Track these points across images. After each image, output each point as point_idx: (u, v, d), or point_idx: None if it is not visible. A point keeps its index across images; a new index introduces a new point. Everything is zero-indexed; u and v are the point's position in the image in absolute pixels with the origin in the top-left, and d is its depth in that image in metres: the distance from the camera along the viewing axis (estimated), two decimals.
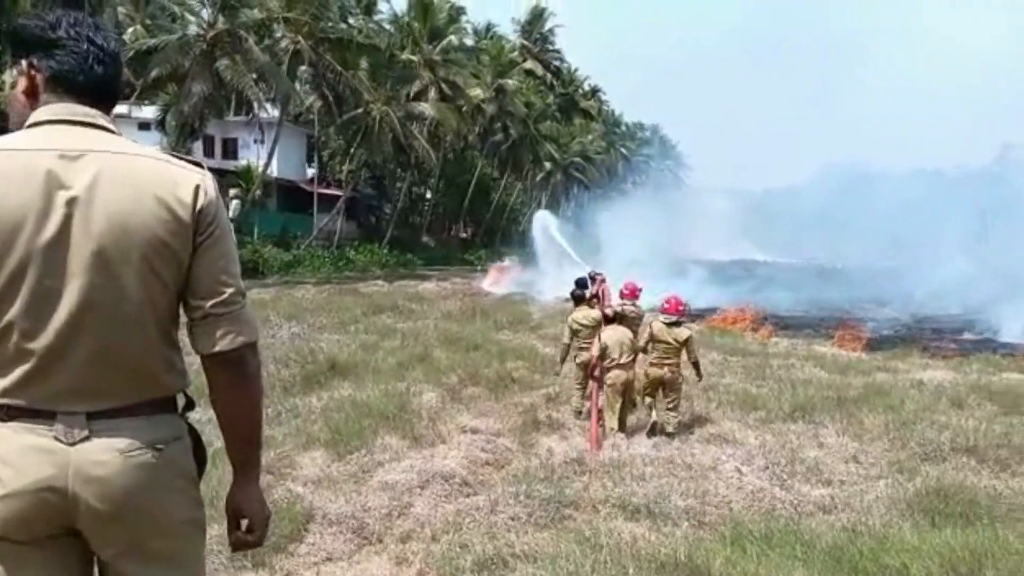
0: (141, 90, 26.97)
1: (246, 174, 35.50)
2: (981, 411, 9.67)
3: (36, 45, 1.81)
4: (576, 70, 66.68)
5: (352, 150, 36.76)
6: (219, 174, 39.31)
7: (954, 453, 7.65)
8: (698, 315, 20.00)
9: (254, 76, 26.84)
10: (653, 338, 8.39)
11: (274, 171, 41.35)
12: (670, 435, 8.25)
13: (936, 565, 4.79)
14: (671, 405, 8.54)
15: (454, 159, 50.35)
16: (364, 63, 34.81)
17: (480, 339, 13.98)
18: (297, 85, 35.48)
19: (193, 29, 26.44)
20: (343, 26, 33.31)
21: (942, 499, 6.16)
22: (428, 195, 53.41)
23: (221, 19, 26.83)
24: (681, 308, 8.59)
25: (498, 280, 28.72)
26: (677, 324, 8.48)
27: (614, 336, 8.34)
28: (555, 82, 59.45)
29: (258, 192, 33.85)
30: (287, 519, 5.52)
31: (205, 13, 27.12)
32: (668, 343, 8.38)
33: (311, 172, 47.15)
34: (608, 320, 8.73)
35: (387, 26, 43.55)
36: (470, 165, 51.15)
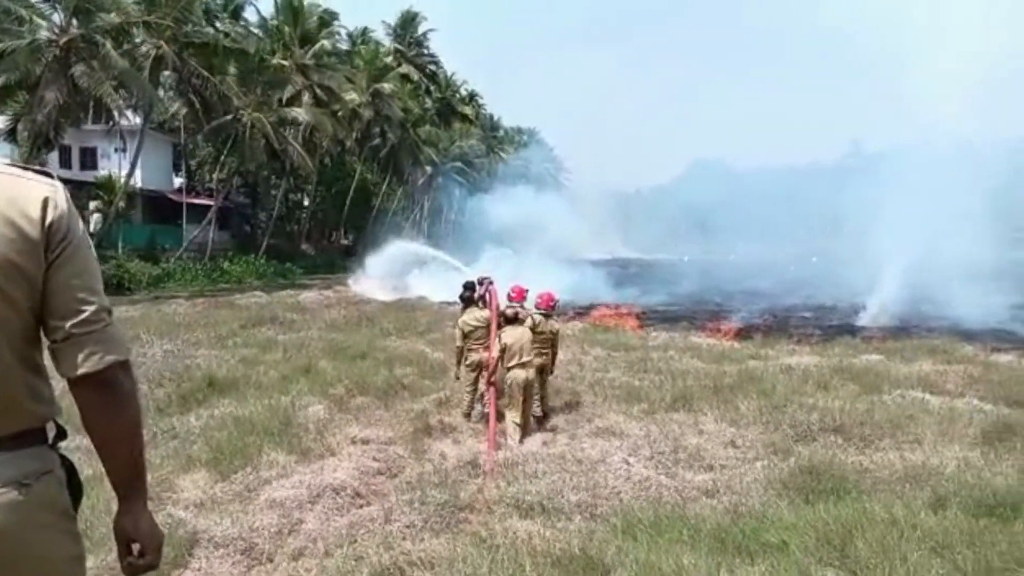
0: None
1: (107, 185, 33.50)
2: (844, 391, 10.36)
3: None
4: (453, 75, 66.82)
5: (223, 157, 35.32)
6: (78, 186, 37.07)
7: (823, 432, 8.15)
8: (581, 312, 20.48)
9: (113, 83, 25.28)
10: (534, 330, 8.58)
11: (138, 181, 39.27)
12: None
13: (812, 539, 5.09)
14: (540, 395, 8.82)
15: (332, 165, 49.34)
16: (232, 68, 33.53)
17: (367, 347, 13.78)
18: (161, 92, 33.84)
19: (44, 34, 24.66)
20: (209, 30, 31.98)
21: (814, 477, 6.56)
22: (306, 202, 52.13)
23: (75, 23, 25.16)
24: (552, 303, 8.90)
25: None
26: (548, 317, 8.77)
27: (515, 335, 8.41)
28: (431, 87, 59.32)
29: (121, 204, 31.97)
30: (169, 545, 5.26)
31: (56, 17, 25.35)
32: (545, 334, 8.63)
33: (179, 181, 45.08)
34: (508, 320, 8.79)
35: (255, 31, 42.25)
36: (349, 170, 50.26)
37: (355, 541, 5.59)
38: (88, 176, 37.37)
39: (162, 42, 28.42)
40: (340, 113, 42.70)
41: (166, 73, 32.48)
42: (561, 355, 13.13)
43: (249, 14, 40.39)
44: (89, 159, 38.76)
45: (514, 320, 8.56)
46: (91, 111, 30.81)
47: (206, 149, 39.66)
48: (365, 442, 8.01)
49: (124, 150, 35.23)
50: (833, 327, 17.87)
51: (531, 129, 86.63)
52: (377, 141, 49.38)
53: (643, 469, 6.97)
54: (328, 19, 42.37)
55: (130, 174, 31.76)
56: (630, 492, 6.56)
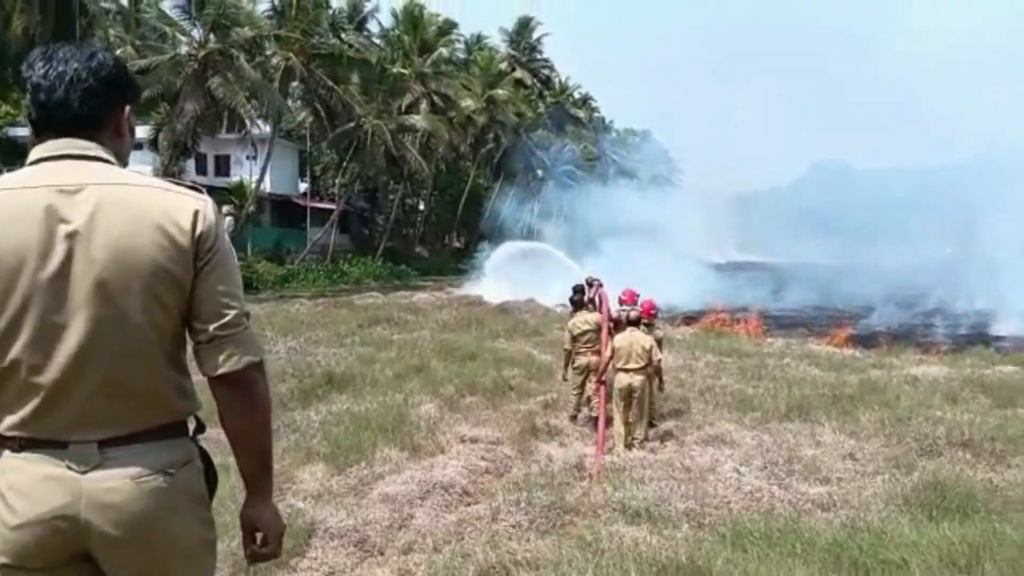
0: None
1: (239, 190, 35.51)
2: (975, 405, 9.75)
3: (25, 88, 1.86)
4: (567, 79, 67.00)
5: (345, 164, 36.77)
6: (211, 191, 39.77)
7: (950, 447, 7.71)
8: (691, 317, 20.11)
9: (246, 93, 26.83)
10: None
11: (267, 187, 41.44)
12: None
13: (935, 559, 4.84)
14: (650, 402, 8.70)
15: (446, 170, 50.45)
16: (355, 77, 34.88)
17: (476, 348, 14.02)
18: (289, 101, 35.55)
19: (184, 49, 26.46)
20: (334, 41, 33.39)
21: (939, 493, 6.21)
22: (421, 206, 53.51)
23: (212, 38, 26.88)
24: (653, 311, 8.77)
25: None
26: (649, 326, 8.62)
27: (627, 340, 8.36)
28: (545, 91, 59.68)
29: (251, 208, 33.81)
30: (289, 535, 5.54)
31: (196, 33, 27.15)
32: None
33: (304, 187, 47.24)
34: (619, 324, 8.77)
35: (377, 41, 43.77)
36: (463, 175, 51.24)
37: (462, 538, 5.72)
38: (221, 182, 39.76)
39: (291, 54, 29.89)
40: (456, 119, 43.64)
41: (294, 83, 34.18)
42: (671, 360, 13.08)
43: (372, 25, 42.02)
44: (223, 166, 41.20)
45: (630, 324, 8.49)
46: (225, 120, 32.77)
47: (329, 156, 41.34)
48: (474, 441, 8.17)
49: (255, 157, 37.23)
50: (964, 336, 16.83)
51: (644, 131, 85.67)
52: (491, 146, 50.08)
53: (755, 479, 6.78)
54: (446, 28, 43.44)
55: (260, 180, 33.54)
56: (740, 503, 6.40)
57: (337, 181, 38.98)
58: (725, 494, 6.55)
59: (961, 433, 7.91)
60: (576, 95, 69.00)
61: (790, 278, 35.53)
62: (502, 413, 9.52)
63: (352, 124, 34.43)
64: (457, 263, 49.76)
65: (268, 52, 30.75)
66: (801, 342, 15.78)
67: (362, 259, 41.88)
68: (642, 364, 8.07)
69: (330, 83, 31.46)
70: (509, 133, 49.22)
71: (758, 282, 34.40)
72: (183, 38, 26.71)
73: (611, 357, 8.27)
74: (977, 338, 16.20)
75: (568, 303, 9.94)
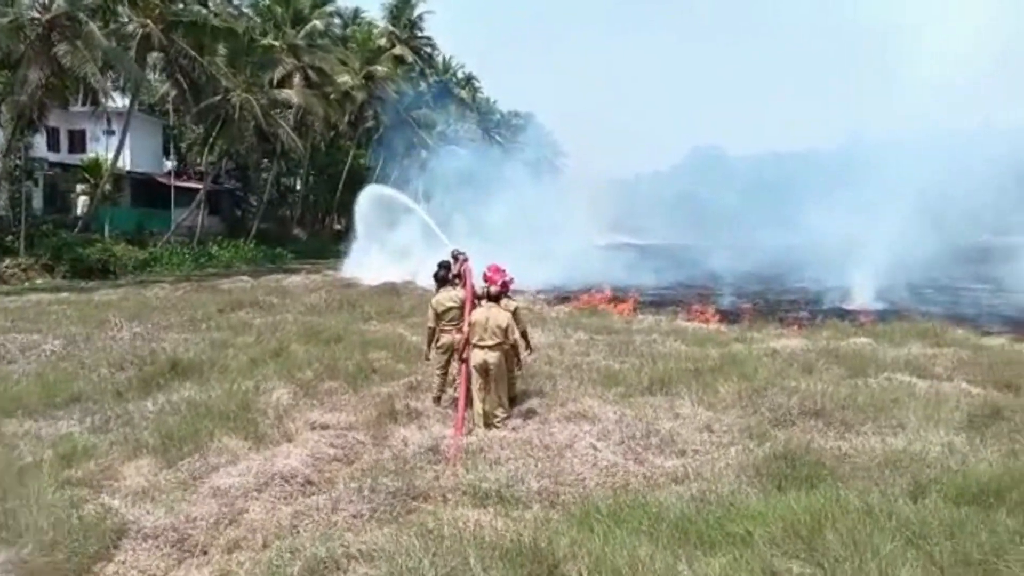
0: None
1: (94, 168, 33.04)
2: (829, 375, 10.02)
3: None
4: (450, 58, 66.11)
5: (211, 140, 34.79)
6: (64, 169, 36.57)
7: (802, 417, 7.83)
8: (567, 297, 20.14)
9: (98, 63, 24.75)
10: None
11: (126, 164, 38.80)
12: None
13: (779, 529, 4.77)
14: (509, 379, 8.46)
15: (325, 148, 48.82)
16: (222, 49, 32.96)
17: (342, 331, 13.42)
18: (150, 74, 33.30)
19: (26, 12, 24.11)
20: (197, 8, 31.42)
21: (789, 463, 6.23)
22: (299, 186, 51.63)
23: (59, 1, 24.63)
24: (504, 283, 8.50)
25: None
26: (499, 298, 8.38)
27: (483, 315, 8.01)
28: (428, 70, 58.63)
29: (107, 187, 31.50)
30: (94, 537, 4.95)
31: None
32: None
33: (169, 165, 44.58)
34: (479, 299, 8.40)
35: (248, 11, 41.64)
36: (342, 154, 49.69)
37: (296, 532, 5.28)
38: (76, 159, 36.92)
39: (148, 21, 27.85)
40: (333, 95, 42.16)
41: (154, 54, 31.95)
42: (542, 338, 12.93)
43: None
44: (78, 142, 38.21)
45: (489, 299, 8.17)
46: (81, 93, 30.30)
47: (196, 132, 39.09)
48: (325, 428, 7.70)
49: (113, 133, 34.69)
50: (823, 311, 17.53)
51: (528, 113, 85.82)
52: (371, 124, 48.78)
53: (611, 455, 6.64)
54: (321, 0, 41.80)
55: (116, 157, 31.28)
56: (595, 479, 6.24)
57: (204, 159, 36.81)
58: (581, 471, 6.38)
59: (813, 403, 8.06)
60: (460, 75, 68.30)
61: (666, 259, 36.48)
62: (361, 397, 9.04)
63: (218, 97, 32.57)
64: (337, 245, 48.36)
65: (124, 19, 28.52)
66: (671, 319, 15.98)
67: (234, 242, 39.96)
68: (498, 340, 7.78)
69: (193, 53, 29.54)
70: (390, 111, 48.04)
71: (635, 262, 35.10)
72: (25, 0, 24.33)
73: (469, 333, 7.94)
74: (834, 313, 16.87)
75: (433, 279, 9.50)
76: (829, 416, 7.80)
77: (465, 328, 8.04)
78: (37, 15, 24.78)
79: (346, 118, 45.30)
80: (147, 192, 40.23)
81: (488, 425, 7.92)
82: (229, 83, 32.71)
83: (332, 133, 46.71)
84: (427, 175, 59.47)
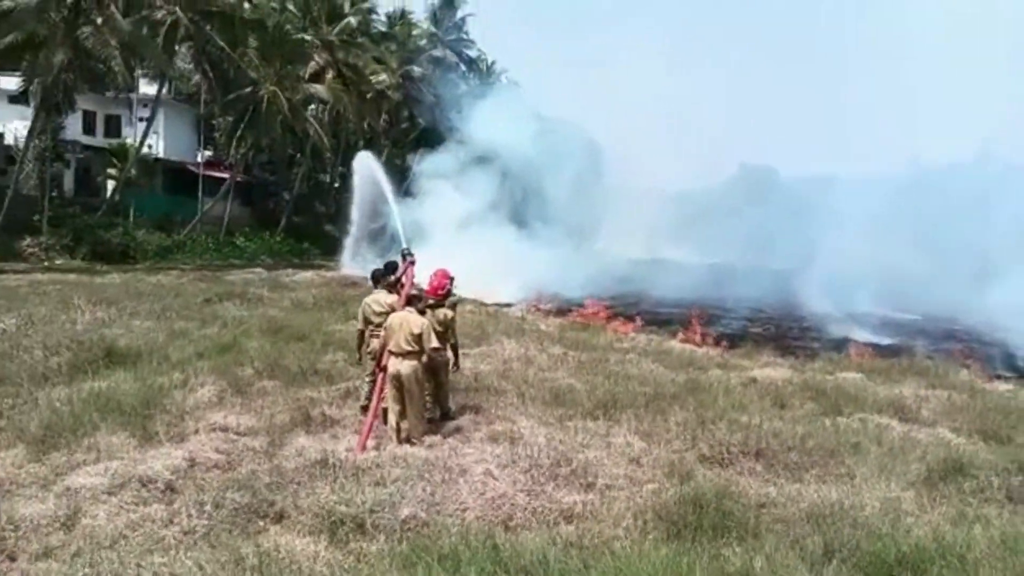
0: None
1: (121, 152, 33.38)
2: (801, 411, 9.24)
3: None
4: (493, 62, 65.80)
5: (240, 131, 34.89)
6: (96, 152, 37.04)
7: (743, 456, 7.08)
8: (569, 309, 19.48)
9: (117, 47, 24.87)
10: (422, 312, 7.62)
11: (159, 151, 39.23)
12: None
13: None
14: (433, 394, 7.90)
15: (362, 146, 48.80)
16: (253, 41, 33.05)
17: (310, 329, 12.97)
18: (180, 62, 33.53)
19: None
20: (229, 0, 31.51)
21: (696, 509, 5.53)
22: (336, 183, 51.75)
23: None
24: (441, 288, 7.91)
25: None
26: (435, 306, 7.79)
27: (398, 321, 7.47)
28: (469, 73, 58.41)
29: (132, 172, 31.75)
30: None
31: None
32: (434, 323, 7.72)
33: (206, 154, 44.98)
34: (408, 303, 7.85)
35: (290, 6, 41.75)
36: (377, 153, 49.62)
37: (118, 544, 4.78)
38: (112, 143, 37.40)
39: (177, 9, 27.99)
40: (368, 94, 42.09)
41: (187, 45, 32.16)
42: (512, 351, 12.31)
43: None
44: (113, 126, 38.73)
45: (407, 303, 7.63)
46: (118, 78, 30.60)
47: (226, 122, 39.32)
48: (224, 430, 7.22)
49: (148, 119, 35.06)
50: (833, 340, 16.52)
51: (573, 122, 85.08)
52: (406, 124, 48.66)
53: (505, 484, 5.99)
54: None
55: (142, 142, 31.55)
56: (477, 510, 5.62)
57: (232, 150, 36.97)
58: (466, 500, 5.76)
59: (759, 441, 7.30)
60: (503, 80, 68.00)
61: (697, 276, 35.42)
62: (287, 399, 8.53)
63: (247, 89, 32.62)
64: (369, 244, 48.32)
65: (158, 5, 28.69)
66: (665, 339, 15.18)
67: (260, 234, 40.12)
68: (410, 349, 7.20)
69: (221, 43, 29.60)
70: (426, 113, 47.85)
71: (662, 278, 34.18)
72: None
73: (384, 339, 7.40)
74: (842, 343, 15.89)
75: (369, 278, 8.98)
76: (772, 457, 7.03)
77: (381, 333, 7.51)
78: None
79: (381, 117, 45.18)
80: (179, 180, 40.60)
81: (401, 440, 7.35)
82: (258, 75, 32.73)
83: (369, 133, 46.64)
84: (464, 177, 59.27)
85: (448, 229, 28.85)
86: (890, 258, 28.20)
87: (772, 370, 11.87)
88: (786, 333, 18.39)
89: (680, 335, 15.61)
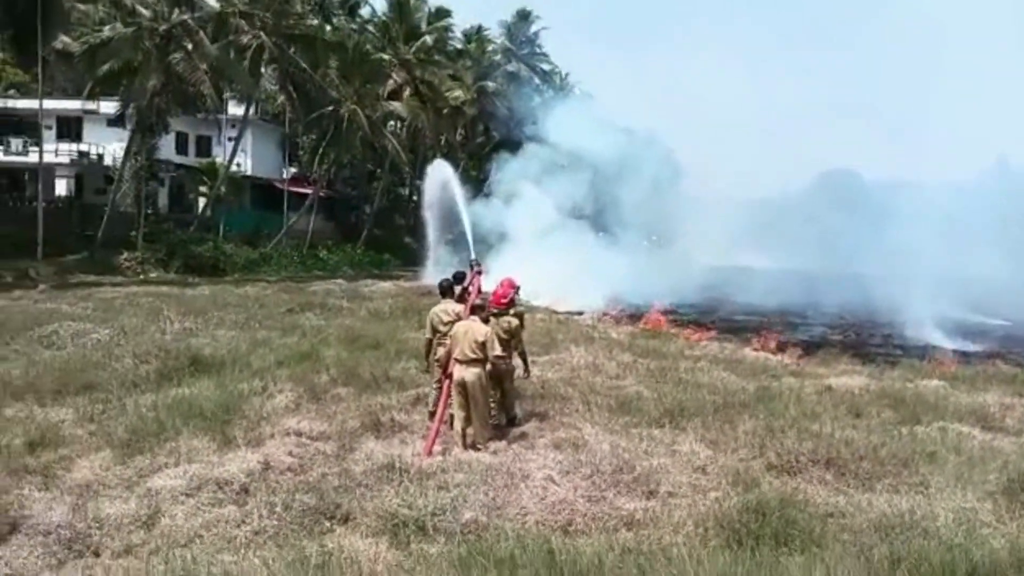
0: (93, 84, 26.44)
1: (211, 170, 34.94)
2: (877, 419, 8.95)
3: None
4: (567, 75, 65.93)
5: (322, 148, 36.05)
6: (187, 170, 38.84)
7: (812, 465, 6.93)
8: (638, 317, 19.32)
9: (206, 70, 26.12)
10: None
11: (247, 169, 40.88)
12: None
13: None
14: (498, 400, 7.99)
15: (439, 159, 49.66)
16: (333, 62, 34.16)
17: (385, 338, 13.29)
18: (267, 84, 34.90)
19: (146, 22, 25.79)
20: (312, 23, 32.69)
21: (758, 517, 5.46)
22: (414, 196, 52.74)
23: (176, 12, 26.22)
24: (505, 298, 8.00)
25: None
26: (500, 314, 7.89)
27: (463, 329, 7.64)
28: (543, 85, 58.76)
29: (222, 189, 33.18)
30: None
31: (159, 6, 26.49)
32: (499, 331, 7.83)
33: (292, 171, 46.60)
34: (473, 311, 8.03)
35: (370, 27, 42.92)
36: (454, 165, 50.41)
37: (191, 543, 5.05)
38: (202, 162, 39.21)
39: (262, 33, 29.18)
40: (444, 110, 42.85)
41: (272, 67, 33.47)
42: (580, 358, 12.32)
43: (366, 12, 41.32)
44: (204, 146, 40.62)
45: (472, 312, 7.78)
46: (208, 100, 32.10)
47: (309, 140, 40.71)
48: (298, 435, 7.49)
49: (236, 139, 36.61)
50: (917, 347, 15.88)
51: (648, 131, 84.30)
52: (482, 139, 49.27)
53: (566, 491, 6.04)
54: (437, 16, 42.63)
55: (230, 161, 32.93)
56: (538, 515, 5.69)
57: (315, 167, 38.23)
58: (527, 505, 5.84)
59: (830, 450, 7.13)
60: (577, 91, 68.09)
61: (778, 284, 34.61)
62: (360, 406, 8.79)
63: (329, 108, 33.70)
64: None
65: (244, 30, 29.99)
66: (738, 347, 14.91)
67: (342, 246, 41.27)
68: (474, 356, 7.34)
69: (304, 65, 30.71)
70: (501, 126, 48.37)
71: (741, 285, 33.54)
72: (145, 12, 25.98)
73: (450, 347, 7.56)
74: (926, 350, 15.27)
75: (437, 287, 9.20)
76: (843, 467, 6.86)
77: (447, 342, 7.68)
78: (155, 25, 26.40)
79: (457, 132, 45.92)
80: (266, 196, 42.25)
81: (468, 447, 7.49)
82: (339, 94, 33.77)
83: (446, 147, 47.44)
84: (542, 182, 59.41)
85: (528, 234, 28.91)
86: (976, 263, 26.97)
87: (849, 378, 11.53)
88: (866, 340, 17.79)
89: (754, 343, 15.30)
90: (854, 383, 11.01)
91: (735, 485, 6.39)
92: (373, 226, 45.55)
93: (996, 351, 15.22)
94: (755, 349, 14.26)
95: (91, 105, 36.09)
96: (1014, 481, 6.42)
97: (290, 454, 6.87)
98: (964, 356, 13.99)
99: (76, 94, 33.58)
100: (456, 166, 49.39)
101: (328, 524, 5.37)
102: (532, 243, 28.06)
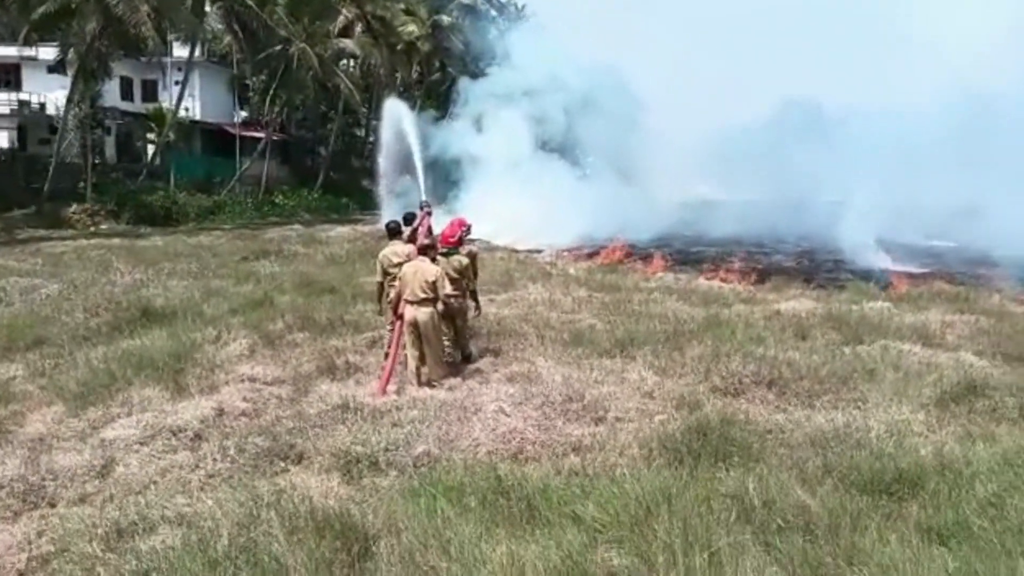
0: (29, 29, 25.34)
1: (158, 116, 33.92)
2: (822, 341, 9.24)
3: None
4: (524, 6, 64.61)
5: (273, 90, 35.13)
6: (133, 117, 37.66)
7: (755, 386, 7.18)
8: (596, 252, 19.46)
9: (148, 10, 25.12)
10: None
11: (196, 114, 39.76)
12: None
13: (613, 514, 4.29)
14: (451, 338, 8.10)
15: (393, 98, 48.70)
16: None
17: (341, 282, 13.27)
18: (209, 23, 33.69)
19: None
20: None
21: (700, 437, 5.67)
22: (371, 138, 51.85)
23: None
24: (454, 237, 8.04)
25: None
26: (449, 254, 7.97)
27: (412, 269, 7.66)
28: (499, 18, 57.54)
29: (170, 136, 32.29)
30: None
31: None
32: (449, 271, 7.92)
33: (244, 114, 45.40)
34: (421, 252, 8.03)
35: None
36: (411, 105, 49.51)
37: (145, 490, 5.12)
38: (149, 108, 37.98)
39: None
40: (398, 47, 41.79)
41: (217, 5, 32.29)
42: (537, 295, 12.46)
43: None
44: (150, 91, 39.30)
45: (420, 252, 7.80)
46: (151, 43, 30.91)
47: (258, 82, 39.55)
48: (252, 380, 7.54)
49: (183, 82, 35.45)
50: (864, 271, 16.21)
51: (608, 64, 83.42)
52: (437, 76, 48.32)
53: (517, 420, 6.20)
54: None
55: (178, 106, 31.99)
56: (489, 445, 5.84)
57: (267, 109, 37.27)
58: (478, 436, 5.98)
59: (772, 371, 7.37)
60: (533, 23, 66.78)
61: (739, 215, 34.82)
62: (316, 350, 8.83)
63: (278, 47, 32.72)
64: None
65: None
66: (692, 278, 15.13)
67: (297, 191, 40.58)
68: (424, 296, 7.39)
69: (248, 2, 29.64)
70: (457, 62, 47.41)
71: (701, 218, 33.70)
72: None
73: (400, 288, 7.60)
74: (877, 274, 15.60)
75: (384, 229, 9.18)
76: (785, 386, 7.12)
77: (397, 283, 7.71)
78: None
79: (412, 69, 44.95)
80: (218, 141, 41.15)
81: (422, 384, 7.60)
82: (288, 32, 32.77)
83: (401, 87, 46.44)
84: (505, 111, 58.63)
85: (498, 164, 28.30)
86: (932, 188, 27.44)
87: (797, 303, 11.84)
88: (820, 267, 18.13)
89: (707, 272, 15.55)
90: (803, 307, 11.31)
91: (680, 408, 6.61)
92: (329, 169, 44.73)
93: (941, 271, 15.66)
94: (707, 278, 14.49)
95: (29, 51, 34.61)
96: (946, 393, 6.74)
97: (244, 399, 6.92)
98: (910, 277, 14.34)
99: (12, 39, 32.11)
100: (412, 105, 48.60)
101: (282, 464, 5.47)
102: (502, 175, 27.57)
